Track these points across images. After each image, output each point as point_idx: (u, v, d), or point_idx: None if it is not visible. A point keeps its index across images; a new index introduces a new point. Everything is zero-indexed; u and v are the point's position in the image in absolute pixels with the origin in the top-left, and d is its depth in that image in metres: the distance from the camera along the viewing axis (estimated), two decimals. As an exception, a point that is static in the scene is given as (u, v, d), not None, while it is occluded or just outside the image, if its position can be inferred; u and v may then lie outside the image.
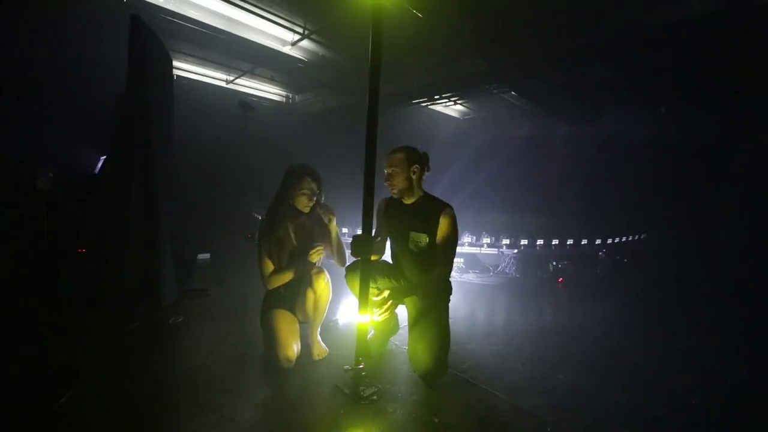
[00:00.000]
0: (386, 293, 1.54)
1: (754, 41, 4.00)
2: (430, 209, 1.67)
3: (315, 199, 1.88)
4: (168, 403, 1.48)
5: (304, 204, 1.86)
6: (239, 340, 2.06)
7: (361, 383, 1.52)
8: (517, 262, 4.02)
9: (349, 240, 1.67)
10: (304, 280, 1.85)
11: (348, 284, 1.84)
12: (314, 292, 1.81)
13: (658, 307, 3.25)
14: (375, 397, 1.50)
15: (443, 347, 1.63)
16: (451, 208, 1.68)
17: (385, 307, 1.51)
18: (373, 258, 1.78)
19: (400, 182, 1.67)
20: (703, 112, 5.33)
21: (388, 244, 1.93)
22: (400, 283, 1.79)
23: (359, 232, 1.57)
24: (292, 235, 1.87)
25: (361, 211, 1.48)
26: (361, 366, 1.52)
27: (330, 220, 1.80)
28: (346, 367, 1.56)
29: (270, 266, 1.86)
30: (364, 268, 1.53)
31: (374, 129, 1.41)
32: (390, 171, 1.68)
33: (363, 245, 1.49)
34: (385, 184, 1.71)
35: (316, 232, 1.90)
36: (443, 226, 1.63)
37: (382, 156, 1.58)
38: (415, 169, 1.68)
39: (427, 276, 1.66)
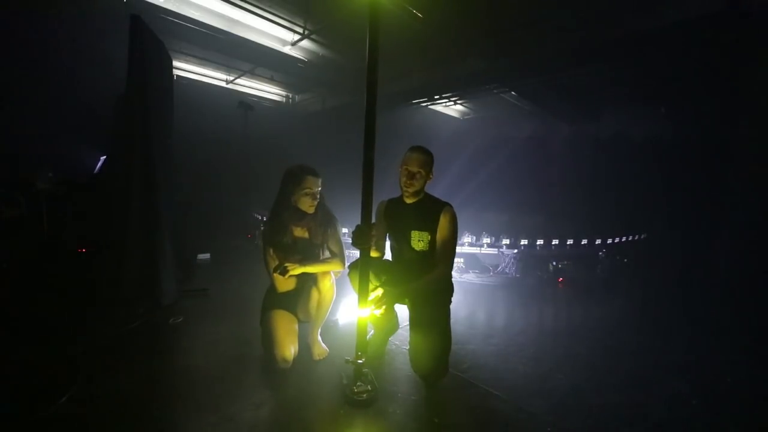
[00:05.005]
0: (379, 292, 1.55)
1: (754, 41, 4.00)
2: (431, 208, 1.69)
3: (318, 198, 1.86)
4: (168, 403, 1.47)
5: (308, 204, 1.82)
6: (239, 340, 2.06)
7: (359, 378, 1.51)
8: (517, 262, 4.02)
9: (349, 240, 1.67)
10: (309, 279, 1.85)
11: (351, 282, 1.84)
12: (319, 291, 1.81)
13: (658, 307, 3.24)
14: (364, 396, 1.47)
15: (444, 348, 1.63)
16: (451, 206, 1.70)
17: (378, 306, 1.53)
18: (373, 254, 1.79)
19: (420, 183, 1.68)
20: (703, 112, 5.32)
21: (388, 244, 1.93)
22: (402, 281, 1.79)
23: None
24: (296, 238, 1.86)
25: (361, 204, 1.49)
26: (361, 361, 1.51)
27: (291, 270, 1.74)
28: (347, 358, 1.56)
29: None
30: (363, 262, 1.53)
31: (373, 121, 1.43)
32: (417, 171, 1.66)
33: (362, 235, 1.49)
34: (405, 182, 1.68)
35: (319, 234, 1.88)
36: (443, 224, 1.65)
37: (381, 151, 1.58)
38: (432, 173, 1.72)
39: (425, 277, 1.65)
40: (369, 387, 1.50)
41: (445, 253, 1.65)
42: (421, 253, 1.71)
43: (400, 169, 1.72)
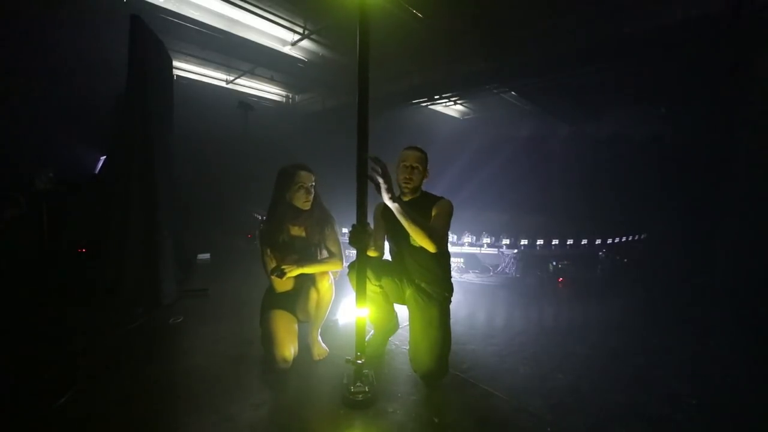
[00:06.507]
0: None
1: (754, 42, 4.00)
2: (428, 202, 1.72)
3: (313, 193, 1.86)
4: (168, 403, 1.47)
5: (303, 200, 1.83)
6: (239, 340, 2.06)
7: (359, 379, 1.51)
8: (517, 262, 4.02)
9: (347, 240, 1.66)
10: (307, 280, 1.85)
11: (350, 282, 1.84)
12: (317, 291, 1.80)
13: (658, 307, 3.24)
14: (360, 397, 1.46)
15: (444, 348, 1.63)
16: (446, 199, 1.74)
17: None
18: (371, 254, 1.80)
19: (419, 179, 1.73)
20: (703, 112, 5.32)
21: (387, 245, 1.93)
22: (402, 281, 1.79)
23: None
24: (293, 237, 1.86)
25: (356, 204, 1.50)
26: (360, 361, 1.51)
27: (288, 272, 1.72)
28: (347, 358, 1.55)
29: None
30: (360, 261, 1.54)
31: (365, 122, 1.45)
32: (416, 166, 1.71)
33: (359, 235, 1.50)
34: (404, 178, 1.71)
35: (316, 233, 1.88)
36: (438, 208, 1.69)
37: (381, 151, 1.58)
38: (427, 171, 1.77)
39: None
40: (366, 389, 1.49)
41: (440, 222, 1.65)
42: (420, 249, 1.70)
43: (397, 168, 1.75)
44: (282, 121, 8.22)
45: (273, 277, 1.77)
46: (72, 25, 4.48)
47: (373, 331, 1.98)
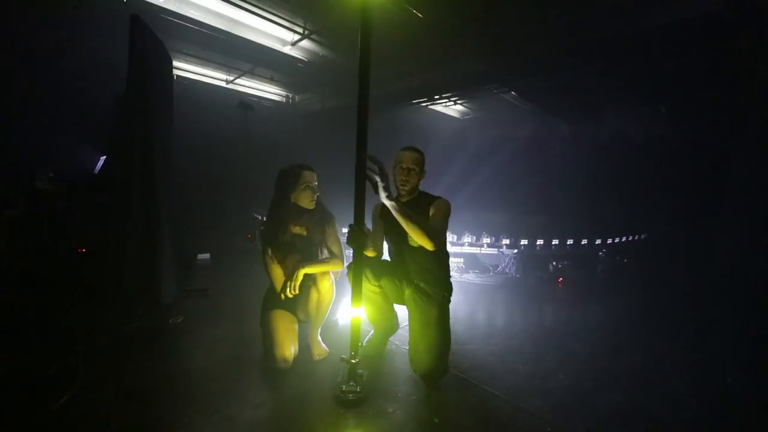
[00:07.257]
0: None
1: (753, 41, 4.00)
2: (426, 202, 1.72)
3: (317, 192, 1.87)
4: (168, 403, 1.47)
5: (308, 199, 1.84)
6: (239, 340, 2.06)
7: (352, 378, 1.50)
8: (517, 262, 4.02)
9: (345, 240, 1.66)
10: (308, 279, 1.85)
11: (350, 282, 1.84)
12: (318, 291, 1.81)
13: (658, 307, 3.24)
14: (350, 396, 1.46)
15: (444, 347, 1.63)
16: (444, 198, 1.74)
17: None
18: (369, 254, 1.80)
19: (415, 180, 1.72)
20: (703, 112, 5.32)
21: (386, 245, 1.93)
22: (401, 282, 1.79)
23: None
24: (294, 236, 1.86)
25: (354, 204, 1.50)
26: (354, 361, 1.50)
27: (296, 281, 1.72)
28: (342, 356, 1.55)
29: (279, 272, 1.83)
30: (357, 261, 1.55)
31: (365, 122, 1.44)
32: (412, 168, 1.70)
33: (356, 235, 1.51)
34: (401, 179, 1.71)
35: (318, 232, 1.88)
36: (436, 206, 1.68)
37: (381, 151, 1.58)
38: (424, 171, 1.76)
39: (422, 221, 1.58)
40: (358, 388, 1.48)
41: (438, 221, 1.65)
42: (419, 249, 1.70)
43: (393, 169, 1.75)
44: (282, 121, 8.22)
45: (273, 276, 1.77)
46: (72, 25, 4.48)
47: (373, 331, 1.98)
